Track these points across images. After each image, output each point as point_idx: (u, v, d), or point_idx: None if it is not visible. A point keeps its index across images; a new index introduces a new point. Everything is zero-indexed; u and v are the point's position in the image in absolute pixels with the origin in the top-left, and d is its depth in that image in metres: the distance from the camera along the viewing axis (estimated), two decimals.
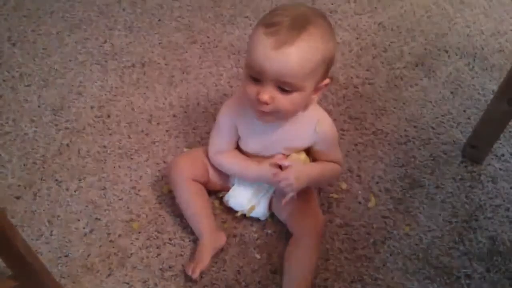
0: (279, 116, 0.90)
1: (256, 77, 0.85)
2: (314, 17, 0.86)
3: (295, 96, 0.86)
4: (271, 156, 1.00)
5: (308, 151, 1.03)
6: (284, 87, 0.85)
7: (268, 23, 0.83)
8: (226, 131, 1.01)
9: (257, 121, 0.94)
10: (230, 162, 1.04)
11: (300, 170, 0.97)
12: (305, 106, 0.93)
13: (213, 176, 1.08)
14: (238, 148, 1.05)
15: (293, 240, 1.02)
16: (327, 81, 0.91)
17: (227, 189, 1.08)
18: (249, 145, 1.01)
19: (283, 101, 0.86)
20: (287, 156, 0.99)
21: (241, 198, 1.06)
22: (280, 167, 0.97)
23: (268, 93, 0.85)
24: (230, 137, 1.02)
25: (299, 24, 0.82)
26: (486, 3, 1.65)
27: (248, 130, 0.99)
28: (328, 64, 0.89)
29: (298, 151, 1.01)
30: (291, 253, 1.00)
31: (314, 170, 1.01)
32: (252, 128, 0.98)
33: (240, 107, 0.97)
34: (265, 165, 0.99)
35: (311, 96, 0.92)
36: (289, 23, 0.82)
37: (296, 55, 0.82)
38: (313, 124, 0.96)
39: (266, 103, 0.85)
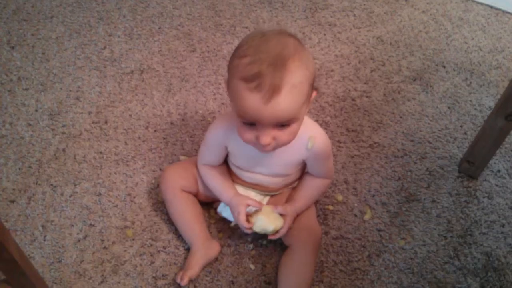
0: (282, 146, 0.89)
1: (252, 123, 0.84)
2: (286, 48, 0.81)
3: (293, 127, 0.86)
4: (262, 174, 1.00)
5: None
6: (283, 124, 0.84)
7: (247, 77, 0.79)
8: (213, 149, 1.01)
9: None
10: (212, 178, 1.04)
11: (292, 219, 1.00)
12: None
13: (202, 188, 1.08)
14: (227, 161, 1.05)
15: (288, 252, 1.01)
16: (314, 94, 0.90)
17: (218, 200, 1.08)
18: (238, 161, 1.01)
19: (284, 136, 0.86)
20: (265, 195, 1.00)
21: None
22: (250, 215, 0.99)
23: (268, 136, 0.84)
24: (217, 155, 1.02)
25: (279, 67, 0.78)
26: (484, 20, 1.66)
27: (238, 149, 0.98)
28: (313, 82, 0.87)
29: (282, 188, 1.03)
30: (285, 265, 1.00)
31: (302, 205, 1.03)
32: (243, 148, 0.96)
33: (230, 128, 0.95)
34: (237, 199, 0.99)
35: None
36: (268, 71, 0.78)
37: (287, 99, 0.80)
38: (305, 140, 0.94)
39: (269, 144, 0.85)
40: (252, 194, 1.04)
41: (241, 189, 1.04)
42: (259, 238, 1.07)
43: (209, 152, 1.02)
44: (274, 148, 0.88)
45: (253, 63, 0.79)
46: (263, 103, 0.79)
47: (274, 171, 1.00)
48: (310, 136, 0.94)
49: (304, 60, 0.83)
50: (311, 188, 1.04)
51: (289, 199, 1.05)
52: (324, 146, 0.97)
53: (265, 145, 0.85)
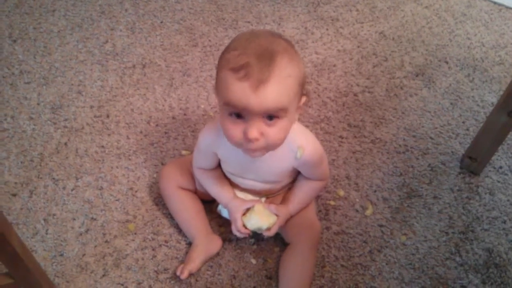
0: (270, 148, 0.87)
1: (240, 113, 0.82)
2: (275, 44, 0.82)
3: (282, 124, 0.84)
4: (253, 180, 1.00)
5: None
6: (272, 117, 0.82)
7: (235, 67, 0.80)
8: (204, 155, 1.00)
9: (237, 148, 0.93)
10: (208, 182, 1.04)
11: (284, 220, 1.00)
12: None
13: (200, 186, 1.08)
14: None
15: (288, 248, 1.02)
16: (304, 99, 0.89)
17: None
18: (230, 168, 1.00)
19: (272, 132, 0.83)
20: (259, 199, 1.01)
21: None
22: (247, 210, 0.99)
23: (256, 129, 0.81)
24: (209, 160, 1.01)
25: (266, 59, 0.79)
26: (488, 15, 1.66)
27: (228, 156, 0.97)
28: (302, 85, 0.87)
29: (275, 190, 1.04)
30: (286, 261, 1.00)
31: (294, 208, 1.03)
32: (232, 154, 0.95)
33: (219, 134, 0.94)
34: (233, 204, 1.00)
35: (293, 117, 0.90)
36: (256, 62, 0.78)
37: (275, 87, 0.79)
38: (294, 149, 0.93)
39: (257, 139, 0.82)
40: (250, 196, 1.04)
41: (238, 191, 1.04)
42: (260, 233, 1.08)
43: (201, 157, 1.02)
44: (263, 150, 0.86)
45: (241, 55, 0.80)
46: (251, 90, 0.78)
47: (265, 178, 0.99)
48: (299, 146, 0.93)
49: (293, 59, 0.82)
50: (305, 190, 1.03)
51: (284, 200, 1.05)
52: (314, 155, 0.95)
53: (253, 140, 0.82)
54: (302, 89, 0.87)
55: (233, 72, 0.79)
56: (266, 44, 0.81)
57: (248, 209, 0.99)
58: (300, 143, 0.93)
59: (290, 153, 0.93)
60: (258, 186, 1.01)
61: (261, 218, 0.97)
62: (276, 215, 0.99)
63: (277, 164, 0.95)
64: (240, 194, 1.03)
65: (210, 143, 0.97)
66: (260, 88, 0.78)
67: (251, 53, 0.79)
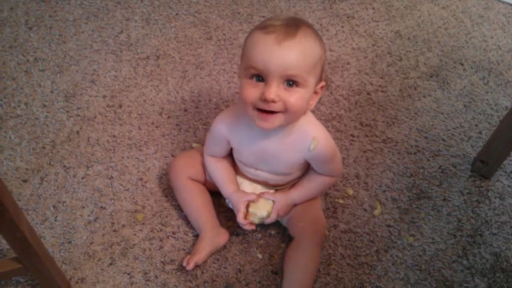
0: (288, 115, 0.87)
1: (260, 74, 0.84)
2: (302, 22, 0.88)
3: (301, 92, 0.85)
4: (264, 171, 1.01)
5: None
6: (289, 81, 0.84)
7: (263, 26, 0.85)
8: (217, 142, 1.01)
9: (251, 135, 0.94)
10: (215, 171, 1.05)
11: (282, 206, 1.01)
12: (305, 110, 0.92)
13: (209, 177, 1.08)
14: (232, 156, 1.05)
15: (293, 244, 1.02)
16: (322, 83, 0.91)
17: None
18: (243, 157, 1.01)
19: (290, 97, 0.84)
20: (258, 195, 1.01)
21: None
22: (248, 205, 1.00)
23: (273, 91, 0.83)
24: (221, 147, 1.02)
25: (293, 24, 0.85)
26: (505, 18, 1.64)
27: (241, 144, 0.98)
28: (322, 65, 0.89)
29: (279, 184, 1.05)
30: (291, 257, 1.00)
31: (297, 196, 1.03)
32: (246, 142, 0.97)
33: (233, 122, 0.96)
34: (236, 196, 1.01)
35: (310, 101, 0.90)
36: (284, 24, 0.84)
37: (298, 47, 0.83)
38: (308, 140, 0.93)
39: (273, 101, 0.83)
40: (259, 188, 1.04)
41: (247, 183, 1.05)
42: (267, 228, 1.08)
43: (213, 144, 1.03)
44: (277, 120, 0.86)
45: (270, 20, 0.87)
46: (275, 43, 0.82)
47: (276, 169, 1.00)
48: (314, 137, 0.93)
49: (318, 37, 0.88)
50: (313, 182, 1.03)
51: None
52: (326, 150, 0.96)
53: (269, 100, 0.82)
54: (322, 72, 0.90)
55: (261, 29, 0.85)
56: (295, 17, 0.88)
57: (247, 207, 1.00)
58: (314, 134, 0.94)
59: (304, 143, 0.94)
60: (268, 177, 1.02)
61: (258, 209, 1.00)
62: (273, 201, 1.01)
63: (289, 154, 0.96)
64: (250, 186, 1.04)
65: (224, 130, 0.98)
66: (285, 42, 0.82)
67: (280, 19, 0.86)
